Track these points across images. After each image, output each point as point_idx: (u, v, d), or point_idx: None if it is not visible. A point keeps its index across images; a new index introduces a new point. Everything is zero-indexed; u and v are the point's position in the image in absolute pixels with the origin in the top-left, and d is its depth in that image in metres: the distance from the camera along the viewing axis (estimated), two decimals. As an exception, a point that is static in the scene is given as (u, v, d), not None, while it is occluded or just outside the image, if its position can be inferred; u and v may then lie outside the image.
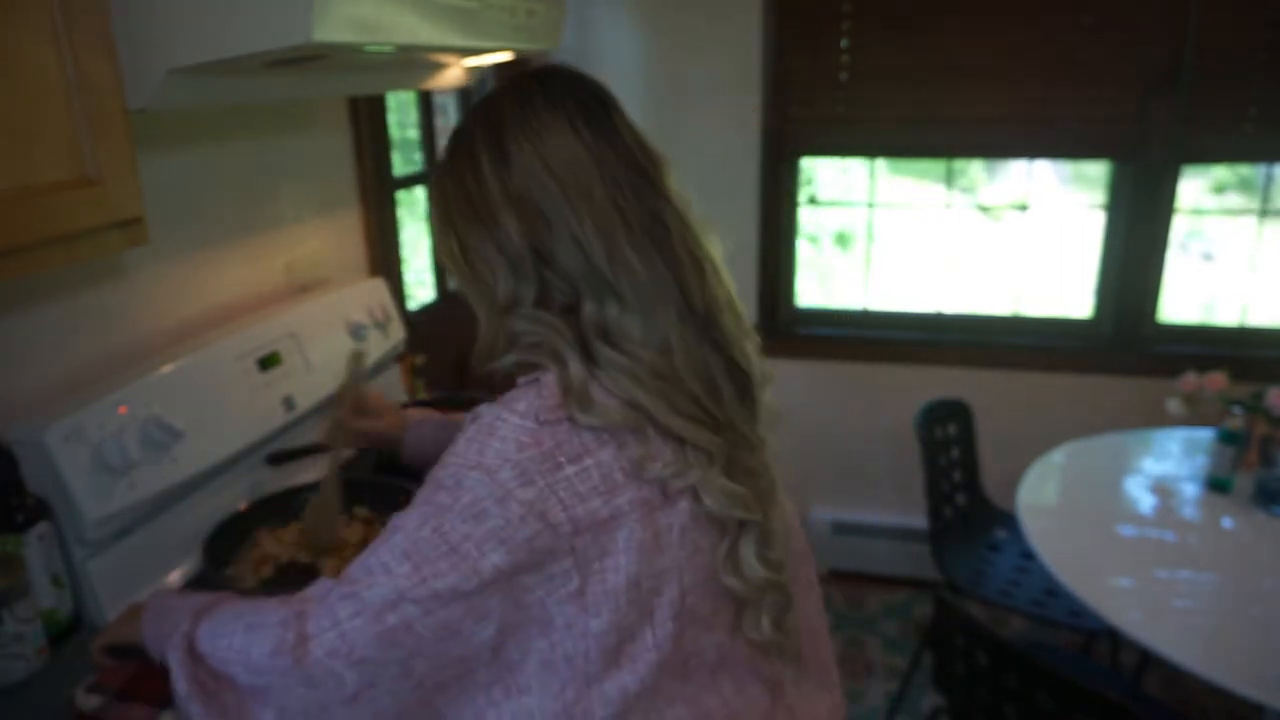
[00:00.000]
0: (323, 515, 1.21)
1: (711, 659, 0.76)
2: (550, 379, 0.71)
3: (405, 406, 1.35)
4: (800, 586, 0.85)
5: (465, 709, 0.72)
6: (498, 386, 0.79)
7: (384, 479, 1.34)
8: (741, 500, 0.74)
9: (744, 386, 0.77)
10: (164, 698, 0.95)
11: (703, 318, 0.74)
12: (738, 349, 0.77)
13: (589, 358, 0.71)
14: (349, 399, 1.22)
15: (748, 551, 0.75)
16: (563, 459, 0.68)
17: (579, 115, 0.74)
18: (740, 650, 0.78)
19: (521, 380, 0.73)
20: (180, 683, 0.75)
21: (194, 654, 0.77)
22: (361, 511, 1.30)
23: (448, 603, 0.67)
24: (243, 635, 0.74)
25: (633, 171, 0.75)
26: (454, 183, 0.78)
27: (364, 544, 1.23)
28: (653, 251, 0.73)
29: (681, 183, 0.79)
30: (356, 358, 1.24)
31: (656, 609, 0.71)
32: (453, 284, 0.81)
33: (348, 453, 1.21)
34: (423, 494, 0.72)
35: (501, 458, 0.68)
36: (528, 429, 0.68)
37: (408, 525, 0.70)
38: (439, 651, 0.69)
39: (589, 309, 0.72)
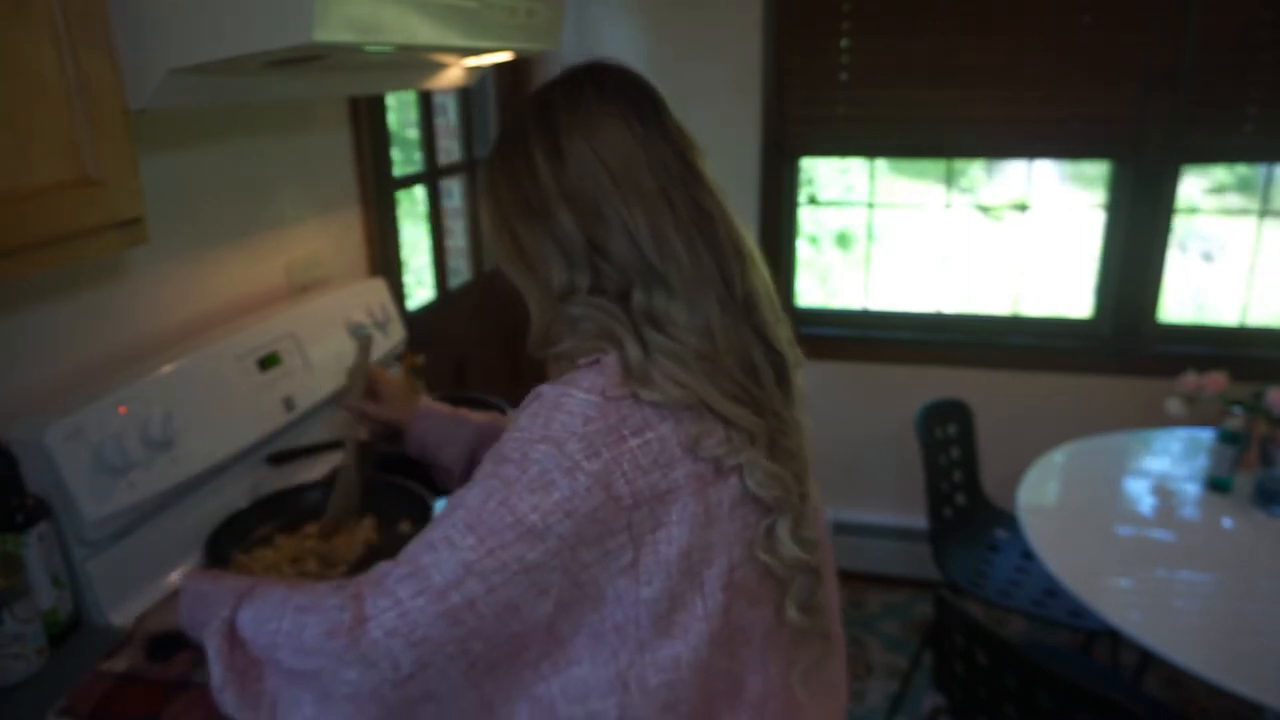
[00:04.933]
0: (344, 499, 1.23)
1: (758, 636, 0.78)
2: (611, 360, 0.74)
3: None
4: (826, 568, 0.86)
5: (513, 687, 0.73)
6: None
7: (384, 477, 1.33)
8: (781, 480, 0.76)
9: (781, 370, 0.80)
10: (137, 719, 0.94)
11: (742, 304, 0.77)
12: (774, 334, 0.80)
13: (640, 342, 0.74)
14: (359, 383, 1.21)
15: (783, 530, 0.77)
16: (627, 432, 0.71)
17: (631, 110, 0.78)
18: (784, 632, 0.80)
19: (581, 362, 0.76)
20: (216, 672, 0.75)
21: (234, 640, 0.77)
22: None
23: (512, 576, 0.68)
24: (292, 618, 0.74)
25: (680, 164, 0.78)
26: (508, 182, 0.80)
27: (372, 544, 1.23)
28: (698, 240, 0.76)
29: (714, 173, 0.81)
30: (364, 343, 1.24)
31: (706, 580, 0.73)
32: (497, 265, 0.83)
33: (363, 434, 1.22)
34: (485, 469, 0.73)
35: (568, 431, 0.70)
36: (594, 403, 0.71)
37: (470, 501, 0.71)
38: (497, 630, 0.70)
39: (638, 297, 0.75)
